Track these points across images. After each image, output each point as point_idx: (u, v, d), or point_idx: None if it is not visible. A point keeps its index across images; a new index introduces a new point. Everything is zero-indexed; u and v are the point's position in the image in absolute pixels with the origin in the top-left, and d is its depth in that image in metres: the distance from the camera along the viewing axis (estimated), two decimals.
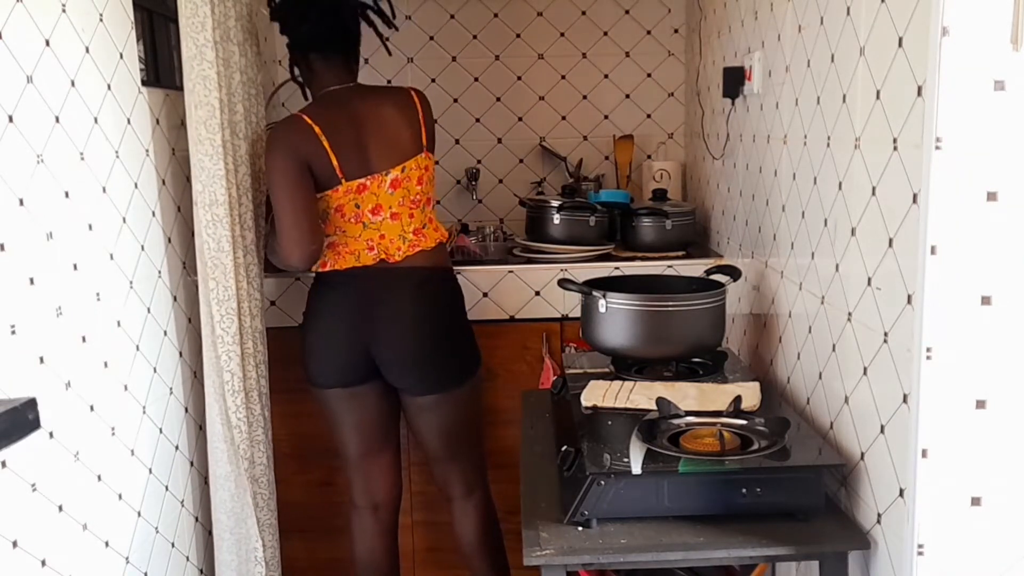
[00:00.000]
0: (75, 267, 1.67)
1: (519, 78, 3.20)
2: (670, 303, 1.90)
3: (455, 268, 2.51)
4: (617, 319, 1.90)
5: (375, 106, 2.13)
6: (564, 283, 1.98)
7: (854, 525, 1.51)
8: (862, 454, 1.50)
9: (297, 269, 2.11)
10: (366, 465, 2.29)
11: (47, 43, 1.59)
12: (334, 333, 2.14)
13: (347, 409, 2.22)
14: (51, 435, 1.56)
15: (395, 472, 2.35)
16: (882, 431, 1.41)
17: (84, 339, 1.69)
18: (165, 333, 2.05)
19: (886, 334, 1.38)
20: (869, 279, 1.45)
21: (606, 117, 3.22)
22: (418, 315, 2.14)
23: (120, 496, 1.81)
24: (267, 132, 2.20)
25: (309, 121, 2.07)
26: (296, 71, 2.25)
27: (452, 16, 3.15)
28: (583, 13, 3.16)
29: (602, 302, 1.90)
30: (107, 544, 1.75)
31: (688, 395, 1.75)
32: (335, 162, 2.06)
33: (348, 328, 2.13)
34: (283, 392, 2.39)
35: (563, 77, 3.20)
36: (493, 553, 2.37)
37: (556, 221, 2.69)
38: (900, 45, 1.31)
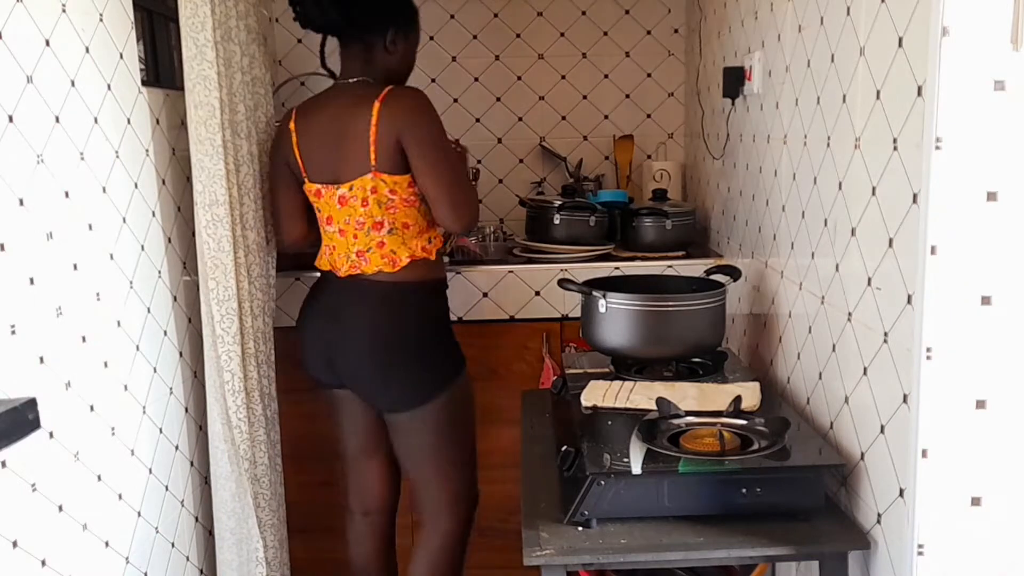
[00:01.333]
0: (75, 267, 1.67)
1: (519, 78, 3.20)
2: (670, 303, 1.90)
3: (457, 269, 2.52)
4: (617, 319, 1.90)
5: (342, 113, 1.99)
6: (564, 283, 1.98)
7: (854, 525, 1.51)
8: (862, 454, 1.50)
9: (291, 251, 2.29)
10: (357, 468, 2.26)
11: (47, 43, 1.59)
12: (304, 336, 2.16)
13: (335, 410, 2.22)
14: (51, 435, 1.56)
15: (386, 479, 2.28)
16: (882, 431, 1.41)
17: (84, 339, 1.69)
18: (165, 333, 2.05)
19: (886, 334, 1.38)
20: (869, 279, 1.45)
21: (606, 117, 3.22)
22: (372, 328, 2.03)
23: (120, 496, 1.81)
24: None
25: (292, 116, 2.09)
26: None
27: (452, 16, 3.15)
28: (583, 13, 3.16)
29: (602, 302, 1.90)
30: (107, 544, 1.75)
31: (688, 395, 1.75)
32: (300, 162, 2.06)
33: (314, 334, 2.13)
34: (282, 392, 2.39)
35: (563, 77, 3.20)
36: None
37: (556, 221, 2.69)
38: (900, 45, 1.31)
